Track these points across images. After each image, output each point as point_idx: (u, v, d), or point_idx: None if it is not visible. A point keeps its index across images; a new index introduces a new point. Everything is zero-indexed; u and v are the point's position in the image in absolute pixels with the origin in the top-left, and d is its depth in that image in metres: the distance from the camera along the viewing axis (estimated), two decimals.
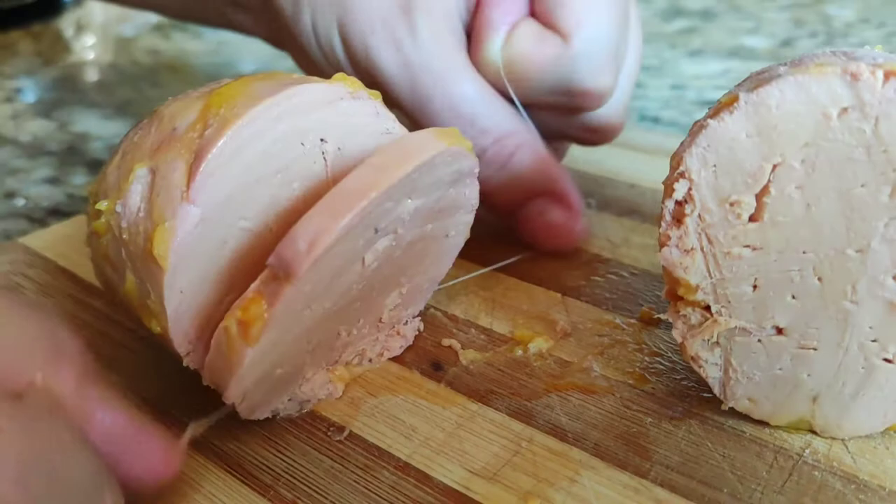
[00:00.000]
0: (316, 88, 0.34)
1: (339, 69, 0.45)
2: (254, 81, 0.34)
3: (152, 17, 1.10)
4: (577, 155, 0.58)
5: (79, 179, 0.69)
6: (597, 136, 0.49)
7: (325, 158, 0.35)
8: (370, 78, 0.44)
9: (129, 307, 0.35)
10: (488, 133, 0.43)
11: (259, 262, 0.33)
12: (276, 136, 0.32)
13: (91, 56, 1.03)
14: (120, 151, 0.35)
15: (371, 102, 0.36)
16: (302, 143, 0.34)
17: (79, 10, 1.01)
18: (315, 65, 0.48)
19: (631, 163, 0.57)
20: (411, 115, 0.44)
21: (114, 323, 0.43)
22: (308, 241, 0.29)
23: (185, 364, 0.33)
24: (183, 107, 0.34)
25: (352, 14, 0.44)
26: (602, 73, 0.43)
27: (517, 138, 0.43)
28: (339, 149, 0.35)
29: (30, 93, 0.92)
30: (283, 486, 0.32)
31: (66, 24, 1.00)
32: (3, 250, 0.51)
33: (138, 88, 0.91)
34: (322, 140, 0.34)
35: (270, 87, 0.33)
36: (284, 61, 0.99)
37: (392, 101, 0.43)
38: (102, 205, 0.34)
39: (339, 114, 0.35)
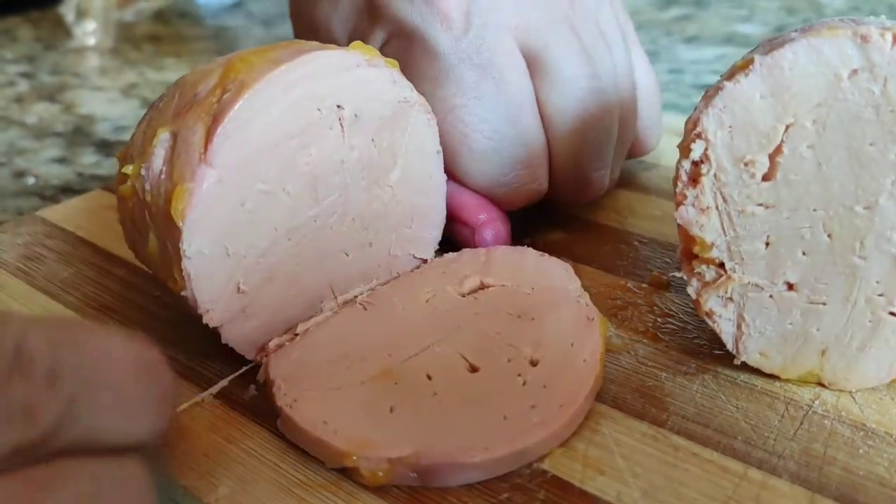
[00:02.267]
0: (333, 55, 0.35)
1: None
2: (273, 49, 0.35)
3: (153, 4, 1.10)
4: None
5: (88, 159, 0.70)
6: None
7: (341, 124, 0.36)
8: None
9: (153, 268, 0.36)
10: None
11: (276, 225, 0.34)
12: (291, 101, 0.34)
13: (92, 41, 1.03)
14: (147, 118, 0.36)
15: (388, 70, 0.37)
16: (318, 109, 0.35)
17: None
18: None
19: None
20: None
21: (136, 290, 0.44)
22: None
23: (204, 322, 0.34)
24: (204, 73, 0.35)
25: None
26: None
27: None
28: (355, 115, 0.36)
29: (33, 77, 0.93)
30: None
31: (66, 9, 1.01)
32: (22, 223, 0.52)
33: (141, 72, 0.92)
34: (339, 106, 0.35)
35: (288, 53, 0.34)
36: None
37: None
38: (128, 168, 0.35)
39: (356, 81, 0.36)
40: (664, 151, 0.55)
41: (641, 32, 0.95)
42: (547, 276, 0.38)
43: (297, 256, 0.36)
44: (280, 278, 0.36)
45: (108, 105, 0.82)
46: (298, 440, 0.32)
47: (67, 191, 0.64)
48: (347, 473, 0.31)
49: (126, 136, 0.74)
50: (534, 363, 0.33)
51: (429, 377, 0.33)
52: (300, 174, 0.35)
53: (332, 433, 0.31)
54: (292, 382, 0.33)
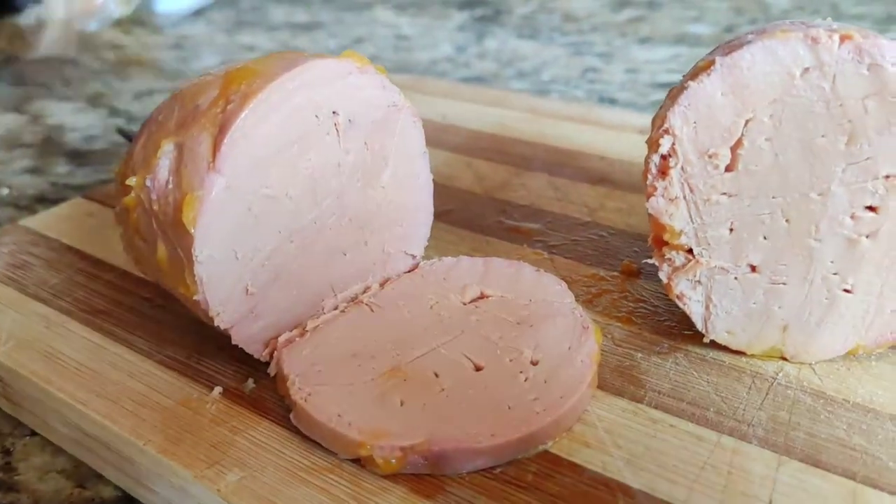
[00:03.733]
0: (328, 63, 0.37)
1: None
2: (269, 60, 0.37)
3: (114, 13, 1.11)
4: (549, 132, 0.62)
5: (60, 169, 0.70)
6: None
7: (337, 130, 0.38)
8: None
9: (162, 275, 0.37)
10: None
11: (280, 228, 0.36)
12: (292, 109, 0.35)
13: (54, 51, 1.03)
14: (144, 132, 0.38)
15: (378, 76, 0.39)
16: (316, 116, 0.37)
17: (38, 7, 1.01)
18: None
19: (599, 138, 0.61)
20: None
21: (126, 293, 0.45)
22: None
23: (216, 324, 0.36)
24: (203, 86, 0.37)
25: None
26: None
27: None
28: (349, 120, 0.38)
29: None
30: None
31: (26, 20, 1.01)
32: (5, 232, 0.53)
33: (106, 82, 0.93)
34: (334, 112, 0.37)
35: (285, 63, 0.36)
36: (246, 54, 1.01)
37: None
38: (132, 181, 0.36)
39: (349, 87, 0.38)
40: (627, 148, 0.58)
41: (597, 35, 0.98)
42: (543, 289, 0.40)
43: (299, 257, 0.38)
44: (284, 279, 0.37)
45: (76, 115, 0.82)
46: (313, 432, 0.34)
47: (43, 201, 0.65)
48: (360, 462, 0.33)
49: (97, 146, 0.75)
50: (534, 363, 0.36)
51: (436, 375, 0.35)
52: (301, 178, 0.36)
53: (347, 425, 0.33)
54: (306, 378, 0.35)
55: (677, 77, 0.84)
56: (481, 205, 0.53)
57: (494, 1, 1.15)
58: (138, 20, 1.14)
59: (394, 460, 0.32)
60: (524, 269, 0.42)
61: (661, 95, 0.77)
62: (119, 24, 1.13)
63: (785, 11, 1.01)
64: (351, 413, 0.33)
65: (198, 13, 1.20)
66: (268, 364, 0.38)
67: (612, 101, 0.78)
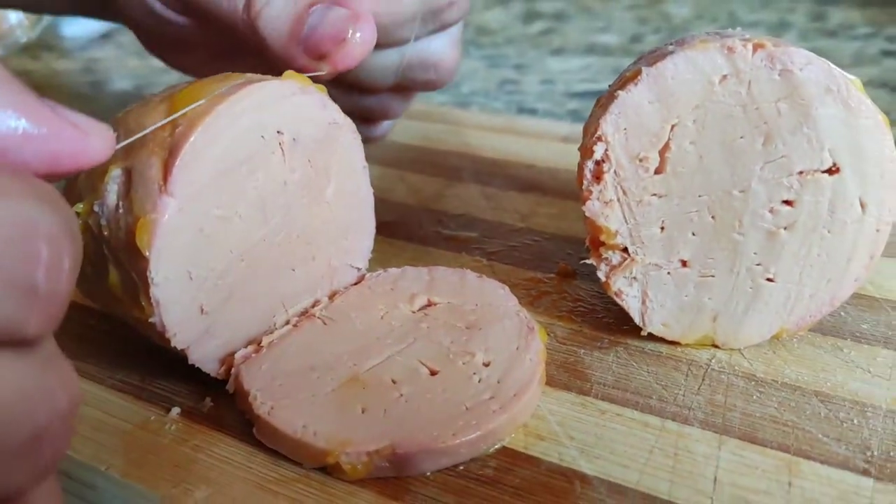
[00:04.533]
0: (271, 85, 0.38)
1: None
2: (212, 83, 0.38)
3: (20, 38, 1.08)
4: (475, 143, 0.64)
5: None
6: (441, 71, 0.52)
7: (282, 148, 0.39)
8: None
9: (114, 300, 0.37)
10: None
11: (231, 247, 0.37)
12: (240, 130, 0.36)
13: None
14: None
15: (318, 95, 0.40)
16: (262, 136, 0.38)
17: None
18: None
19: (523, 147, 0.63)
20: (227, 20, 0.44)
21: (72, 321, 0.45)
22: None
23: (172, 345, 0.36)
24: (147, 111, 0.37)
25: None
26: None
27: None
28: (293, 139, 0.39)
29: None
30: None
31: None
32: None
33: None
34: (278, 132, 0.38)
35: (229, 86, 0.37)
36: (161, 76, 1.00)
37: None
38: (79, 207, 0.36)
39: (292, 107, 0.39)
40: (551, 155, 0.61)
41: (511, 47, 1.01)
42: (487, 294, 0.42)
43: (251, 275, 0.38)
44: (237, 297, 0.38)
45: None
46: (278, 444, 0.35)
47: None
48: (327, 470, 0.34)
49: None
50: (486, 364, 0.37)
51: (393, 381, 0.36)
52: (250, 198, 0.37)
53: (313, 435, 0.33)
54: (267, 392, 0.36)
55: (590, 86, 0.88)
56: (417, 216, 0.54)
57: None
58: (45, 45, 1.11)
59: (360, 466, 0.33)
60: (468, 275, 0.44)
61: (577, 104, 0.80)
62: (26, 49, 1.10)
63: (686, 20, 1.05)
64: (315, 423, 0.34)
65: (105, 36, 1.18)
66: (223, 382, 0.39)
67: (532, 112, 0.80)
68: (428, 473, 0.34)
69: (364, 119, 0.56)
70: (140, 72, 1.03)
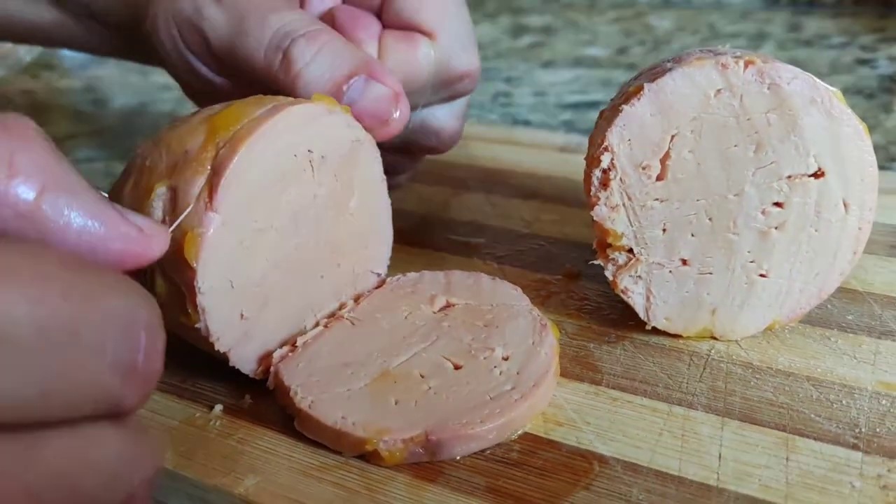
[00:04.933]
0: (304, 108, 0.41)
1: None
2: (247, 106, 0.41)
3: (22, 57, 1.10)
4: (478, 154, 0.67)
5: None
6: (443, 138, 0.54)
7: (312, 166, 0.42)
8: (198, 33, 0.47)
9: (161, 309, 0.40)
10: (294, 29, 0.45)
11: (267, 257, 0.40)
12: (276, 151, 0.39)
13: None
14: (131, 178, 0.41)
15: (343, 116, 0.43)
16: (295, 155, 0.41)
17: None
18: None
19: (523, 157, 0.67)
20: (229, 54, 0.47)
21: None
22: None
23: (216, 349, 0.39)
24: (188, 132, 0.40)
25: None
26: (471, 52, 0.51)
27: (325, 32, 0.45)
28: (322, 157, 0.42)
29: None
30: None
31: None
32: None
33: None
34: (309, 151, 0.41)
35: (265, 109, 0.40)
36: (162, 93, 1.03)
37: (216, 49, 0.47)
38: None
39: (321, 128, 0.42)
40: (550, 164, 0.64)
41: (501, 60, 1.05)
42: (501, 294, 0.45)
43: (284, 282, 0.41)
44: (272, 303, 0.41)
45: None
46: (318, 435, 0.38)
47: None
48: (365, 458, 0.37)
49: None
50: (505, 358, 0.41)
51: (421, 375, 0.40)
52: (284, 211, 0.40)
53: (351, 425, 0.37)
54: (306, 388, 0.39)
55: (581, 97, 0.91)
56: (428, 224, 0.57)
57: None
58: (46, 64, 1.14)
59: (397, 452, 0.36)
60: (482, 278, 0.47)
61: (569, 115, 0.84)
62: (26, 68, 1.12)
63: (669, 32, 1.10)
64: (353, 415, 0.37)
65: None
66: (260, 381, 0.42)
67: (527, 123, 0.84)
68: (458, 458, 0.37)
69: None
70: (142, 88, 1.05)
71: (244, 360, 0.41)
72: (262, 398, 0.41)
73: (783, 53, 0.97)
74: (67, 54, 1.18)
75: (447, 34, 0.49)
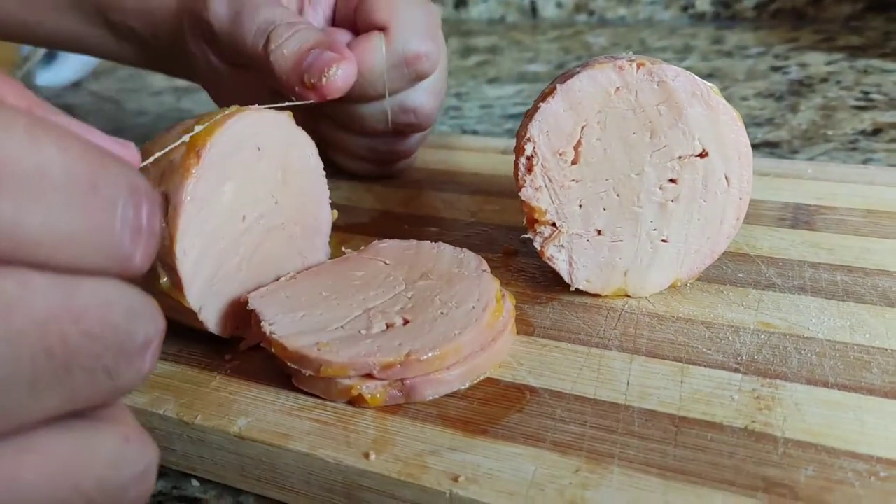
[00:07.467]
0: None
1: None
2: (214, 114, 0.48)
3: None
4: (430, 159, 0.76)
5: None
6: (420, 115, 0.65)
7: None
8: (201, 22, 0.61)
9: (164, 298, 0.47)
10: (278, 18, 0.58)
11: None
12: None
13: None
14: None
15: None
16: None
17: None
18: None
19: (469, 160, 0.75)
20: (228, 40, 0.60)
21: None
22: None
23: (199, 317, 0.47)
24: (171, 139, 0.47)
25: None
26: (424, 38, 0.62)
27: (302, 22, 0.59)
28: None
29: None
30: None
31: None
32: None
33: None
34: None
35: (222, 116, 0.48)
36: (136, 118, 1.10)
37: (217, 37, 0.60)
38: None
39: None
40: (492, 165, 0.73)
41: (451, 79, 1.14)
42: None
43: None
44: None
45: None
46: (305, 383, 0.45)
47: None
48: (351, 402, 0.44)
49: None
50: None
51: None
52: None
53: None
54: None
55: (523, 108, 1.01)
56: (387, 218, 0.66)
57: None
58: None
59: (378, 395, 0.43)
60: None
61: (512, 125, 0.93)
62: None
63: (604, 48, 1.19)
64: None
65: (76, 84, 1.27)
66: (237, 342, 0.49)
67: (475, 132, 0.92)
68: (427, 399, 0.44)
69: (384, 161, 0.71)
70: (115, 115, 1.13)
71: (219, 327, 0.49)
72: (246, 360, 0.49)
73: (705, 64, 1.07)
74: (42, 84, 1.25)
75: (398, 25, 0.61)
